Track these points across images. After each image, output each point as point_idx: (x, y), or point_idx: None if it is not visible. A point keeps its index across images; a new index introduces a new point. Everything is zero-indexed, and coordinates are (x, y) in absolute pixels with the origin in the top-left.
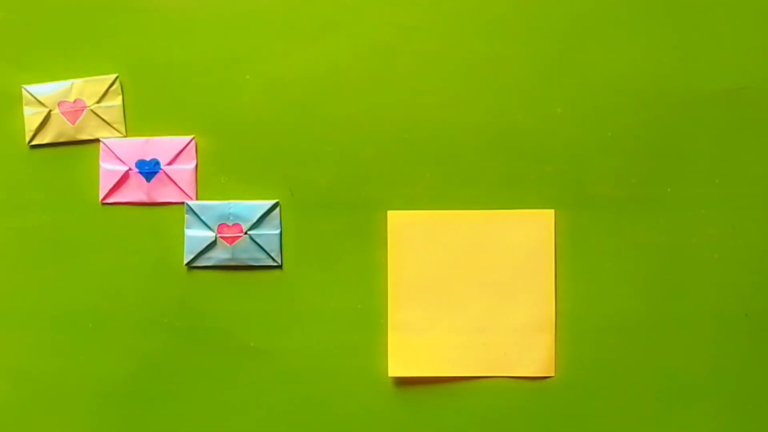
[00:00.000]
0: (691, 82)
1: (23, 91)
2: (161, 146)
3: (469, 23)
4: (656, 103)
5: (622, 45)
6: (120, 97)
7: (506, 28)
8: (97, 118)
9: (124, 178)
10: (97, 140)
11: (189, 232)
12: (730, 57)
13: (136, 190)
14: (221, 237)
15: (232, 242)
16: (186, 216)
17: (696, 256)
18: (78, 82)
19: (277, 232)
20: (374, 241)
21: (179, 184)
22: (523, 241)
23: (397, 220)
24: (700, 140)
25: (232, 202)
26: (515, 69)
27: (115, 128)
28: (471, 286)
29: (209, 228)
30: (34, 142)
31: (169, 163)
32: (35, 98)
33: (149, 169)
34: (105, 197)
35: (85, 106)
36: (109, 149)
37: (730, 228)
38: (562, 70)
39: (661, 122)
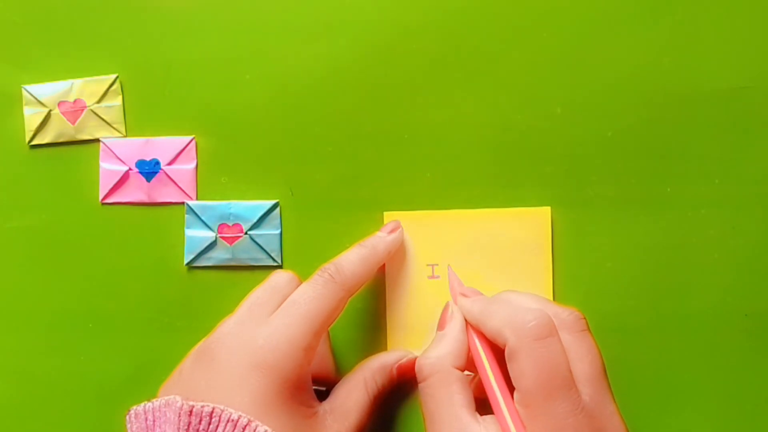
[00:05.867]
0: (691, 81)
1: (23, 91)
2: (161, 146)
3: (469, 23)
4: (656, 103)
5: (621, 45)
6: (120, 97)
7: (506, 27)
8: (97, 118)
9: (124, 178)
10: (97, 140)
11: (189, 232)
12: (730, 57)
13: (136, 190)
14: (221, 237)
15: (233, 242)
16: (186, 216)
17: (696, 256)
18: (78, 82)
19: (278, 232)
20: None
21: (179, 184)
22: (519, 239)
23: (393, 220)
24: (700, 140)
25: (232, 202)
26: (514, 69)
27: (115, 128)
28: (468, 285)
29: (209, 228)
30: (34, 142)
31: (169, 163)
32: (35, 98)
33: (149, 169)
34: (105, 197)
35: (85, 106)
36: (109, 149)
37: (730, 228)
38: (562, 70)
39: (661, 122)
